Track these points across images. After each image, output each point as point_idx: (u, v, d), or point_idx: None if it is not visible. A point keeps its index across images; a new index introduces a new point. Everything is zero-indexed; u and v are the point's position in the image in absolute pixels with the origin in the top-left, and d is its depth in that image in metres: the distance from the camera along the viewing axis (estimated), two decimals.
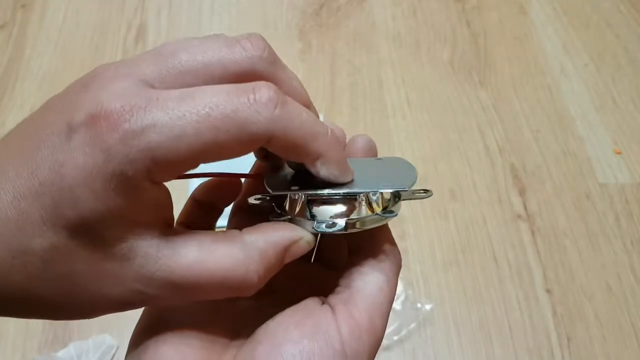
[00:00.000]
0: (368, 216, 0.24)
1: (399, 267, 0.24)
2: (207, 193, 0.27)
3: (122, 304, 0.22)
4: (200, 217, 0.27)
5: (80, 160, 0.19)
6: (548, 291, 0.67)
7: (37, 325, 0.65)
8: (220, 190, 0.27)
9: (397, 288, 0.68)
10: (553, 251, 0.69)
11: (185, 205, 0.27)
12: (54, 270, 0.20)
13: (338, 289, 0.24)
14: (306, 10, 0.93)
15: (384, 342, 0.62)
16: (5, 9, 0.95)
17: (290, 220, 0.24)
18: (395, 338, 0.63)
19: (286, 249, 0.22)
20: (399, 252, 0.25)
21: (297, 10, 0.93)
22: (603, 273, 0.68)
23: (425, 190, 0.26)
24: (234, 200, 0.28)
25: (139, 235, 0.20)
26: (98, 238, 0.20)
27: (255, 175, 0.27)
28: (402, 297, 0.65)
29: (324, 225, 0.23)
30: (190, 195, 0.27)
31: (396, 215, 0.24)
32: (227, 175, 0.26)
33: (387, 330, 0.63)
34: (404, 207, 0.72)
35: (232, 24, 0.92)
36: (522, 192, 0.74)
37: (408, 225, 0.71)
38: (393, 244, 0.25)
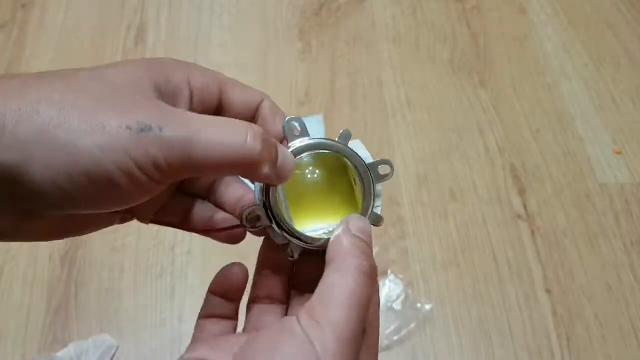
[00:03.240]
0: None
1: (360, 266, 0.26)
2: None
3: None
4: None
5: None
6: (548, 291, 0.67)
7: (37, 325, 0.65)
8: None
9: (397, 288, 0.67)
10: (553, 251, 0.69)
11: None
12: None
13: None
14: (306, 10, 0.93)
15: (384, 342, 0.62)
16: (5, 9, 0.95)
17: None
18: (395, 338, 0.63)
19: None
20: (362, 253, 0.27)
21: (297, 10, 0.93)
22: (603, 273, 0.68)
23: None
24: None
25: None
26: None
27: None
28: (402, 297, 0.65)
29: None
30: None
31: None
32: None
33: (387, 331, 0.63)
34: (405, 209, 0.72)
35: (232, 24, 0.92)
36: (522, 192, 0.74)
37: (408, 225, 0.71)
38: (351, 251, 0.27)
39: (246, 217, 0.29)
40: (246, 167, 0.26)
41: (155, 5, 0.95)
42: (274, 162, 0.27)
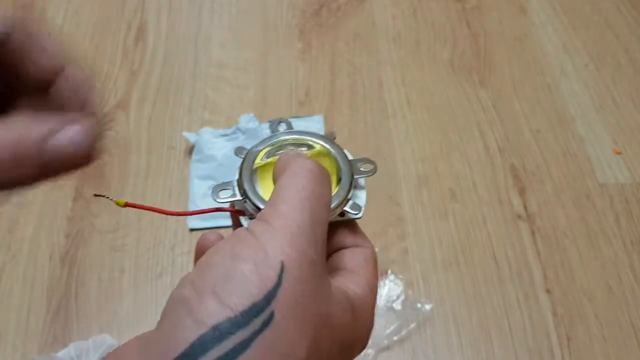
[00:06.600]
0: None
1: (307, 166, 0.25)
2: None
3: None
4: None
5: None
6: (548, 291, 0.67)
7: (37, 325, 0.65)
8: None
9: (397, 288, 0.68)
10: (553, 251, 0.69)
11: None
12: None
13: None
14: (306, 10, 0.93)
15: (384, 342, 0.62)
16: (5, 9, 0.95)
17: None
18: (395, 338, 0.63)
19: None
20: (306, 158, 0.26)
21: (297, 10, 0.93)
22: (603, 273, 0.68)
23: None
24: None
25: None
26: None
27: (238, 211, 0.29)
28: (402, 297, 0.65)
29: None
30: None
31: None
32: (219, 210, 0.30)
33: (387, 331, 0.63)
34: (405, 209, 0.72)
35: (232, 24, 0.93)
36: (522, 192, 0.74)
37: (408, 225, 0.71)
38: (294, 157, 0.26)
39: (215, 189, 0.29)
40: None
41: (155, 5, 0.95)
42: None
